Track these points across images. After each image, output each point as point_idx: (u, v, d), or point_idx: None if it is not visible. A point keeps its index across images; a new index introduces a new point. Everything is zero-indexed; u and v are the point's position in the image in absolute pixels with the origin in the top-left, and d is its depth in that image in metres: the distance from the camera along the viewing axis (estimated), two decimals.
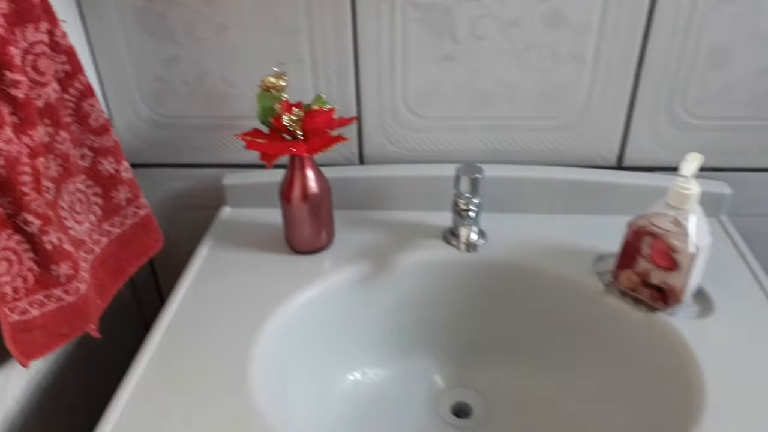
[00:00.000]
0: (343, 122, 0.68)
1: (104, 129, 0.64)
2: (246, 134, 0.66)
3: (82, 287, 0.61)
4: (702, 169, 0.75)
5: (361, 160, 0.81)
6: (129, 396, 0.57)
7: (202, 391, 0.57)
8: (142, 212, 0.71)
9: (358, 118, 0.77)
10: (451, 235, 0.75)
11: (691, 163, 0.58)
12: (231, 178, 0.81)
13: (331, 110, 0.67)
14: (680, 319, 0.63)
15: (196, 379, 0.58)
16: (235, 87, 0.76)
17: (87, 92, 0.62)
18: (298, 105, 0.66)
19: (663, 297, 0.63)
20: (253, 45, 0.73)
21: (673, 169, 0.73)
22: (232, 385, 0.57)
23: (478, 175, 0.69)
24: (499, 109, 0.75)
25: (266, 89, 0.64)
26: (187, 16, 0.72)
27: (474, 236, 0.67)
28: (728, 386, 0.56)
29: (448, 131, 0.78)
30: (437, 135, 0.78)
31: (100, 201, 0.66)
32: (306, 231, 0.71)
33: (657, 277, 0.62)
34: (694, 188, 0.59)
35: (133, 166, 0.83)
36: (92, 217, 0.66)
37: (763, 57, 0.70)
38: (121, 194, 0.68)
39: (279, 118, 0.64)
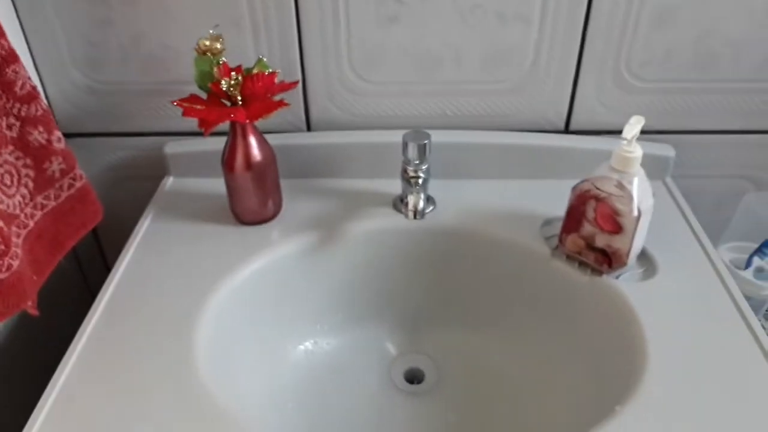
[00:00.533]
0: (285, 87, 0.65)
1: (31, 96, 0.61)
2: (183, 100, 0.64)
3: (15, 263, 0.58)
4: (647, 131, 0.76)
5: (309, 127, 0.79)
6: (70, 371, 0.56)
7: (146, 366, 0.56)
8: (78, 184, 0.68)
9: (300, 82, 0.75)
10: (400, 203, 0.74)
11: (633, 126, 0.58)
12: (173, 147, 0.78)
13: (272, 74, 0.65)
14: (624, 282, 0.63)
15: (139, 355, 0.57)
16: (173, 50, 0.73)
17: (9, 58, 0.58)
18: (237, 69, 0.64)
19: (608, 260, 0.63)
20: (191, 6, 0.70)
21: (620, 132, 0.73)
22: (177, 360, 0.56)
23: (425, 142, 0.68)
24: (446, 72, 0.74)
25: (202, 53, 0.61)
26: None
27: (422, 204, 0.66)
28: (670, 345, 0.57)
29: (395, 96, 0.76)
30: (385, 100, 0.76)
31: (31, 173, 0.63)
32: (251, 201, 0.69)
33: (601, 241, 0.63)
34: (637, 151, 0.59)
35: (70, 135, 0.80)
36: (24, 190, 0.63)
37: (705, 19, 0.70)
38: (54, 165, 0.65)
39: (217, 82, 0.62)
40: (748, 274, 0.75)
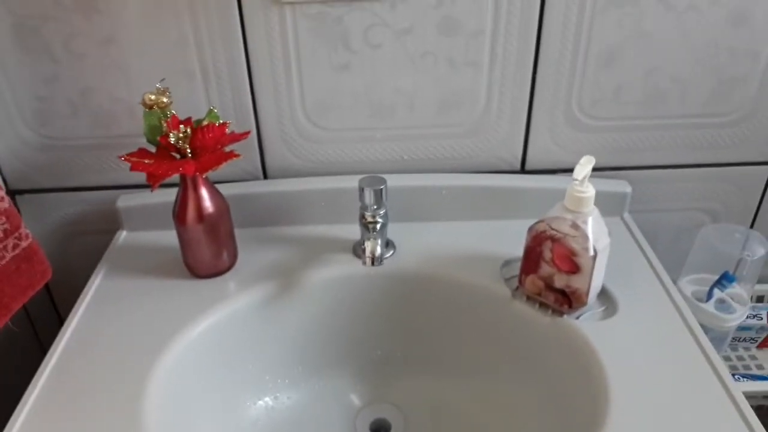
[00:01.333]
0: (236, 137, 0.65)
1: None
2: (131, 155, 0.62)
3: None
4: (602, 168, 0.77)
5: (265, 174, 0.78)
6: (18, 430, 0.53)
7: (94, 427, 0.53)
8: (23, 243, 0.66)
9: (255, 130, 0.74)
10: (359, 248, 0.73)
11: (584, 167, 0.58)
12: (126, 200, 0.76)
13: (223, 125, 0.64)
14: (585, 322, 0.63)
15: (88, 415, 0.55)
16: (123, 104, 0.72)
17: None
18: (186, 121, 0.63)
19: (567, 300, 0.63)
20: (139, 58, 0.69)
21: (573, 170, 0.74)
22: (127, 421, 0.54)
23: (381, 187, 0.67)
24: (400, 118, 0.74)
25: (149, 107, 0.60)
26: (65, 30, 0.67)
27: (379, 250, 0.65)
28: (631, 386, 0.56)
29: (351, 142, 0.76)
30: (340, 146, 0.76)
31: None
32: (205, 254, 0.68)
33: (560, 281, 0.62)
34: (590, 191, 0.59)
35: (20, 192, 0.78)
36: None
37: (650, 56, 0.71)
38: None
39: (165, 136, 0.61)
40: (709, 306, 0.75)
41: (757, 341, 0.84)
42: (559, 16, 0.68)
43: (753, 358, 0.83)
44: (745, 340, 0.84)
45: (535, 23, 0.68)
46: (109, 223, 0.79)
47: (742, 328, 0.81)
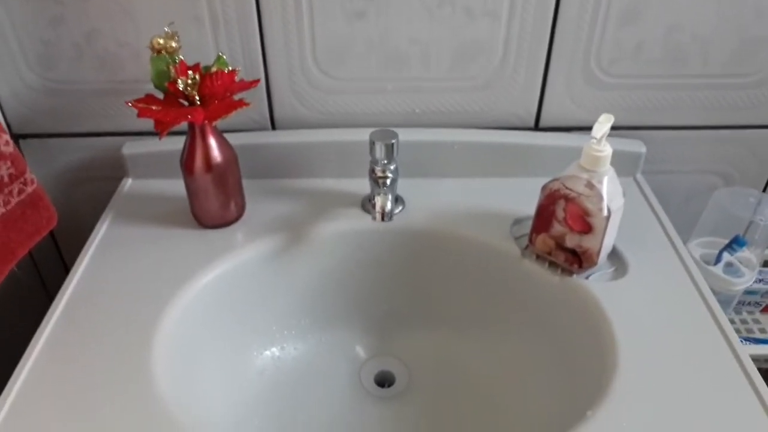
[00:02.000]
0: (245, 85, 0.63)
1: None
2: (138, 100, 0.61)
3: None
4: (617, 127, 0.75)
5: (273, 125, 0.77)
6: (24, 379, 0.54)
7: (101, 379, 0.53)
8: (29, 189, 0.65)
9: (263, 79, 0.72)
10: (369, 203, 0.72)
11: (602, 125, 0.57)
12: (131, 147, 0.75)
13: (232, 72, 0.62)
14: (594, 282, 0.62)
15: (94, 364, 0.55)
16: (130, 48, 0.70)
17: None
18: (195, 67, 0.61)
19: (578, 260, 0.62)
20: (148, 2, 0.67)
21: (590, 129, 0.72)
22: (134, 371, 0.54)
23: (392, 141, 0.66)
24: (414, 69, 0.72)
25: (157, 51, 0.59)
26: None
27: (389, 205, 0.64)
28: (640, 346, 0.56)
29: (362, 93, 0.74)
30: (351, 97, 0.74)
31: None
32: (212, 204, 0.67)
33: (571, 241, 0.62)
34: (607, 150, 0.58)
35: (24, 137, 0.77)
36: None
37: (673, 13, 0.69)
38: (2, 170, 0.61)
39: (173, 82, 0.59)
40: (717, 269, 0.74)
41: (761, 305, 0.84)
42: None
43: (756, 321, 0.83)
44: (749, 304, 0.83)
45: None
46: (115, 169, 0.78)
47: (747, 292, 0.81)
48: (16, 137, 0.77)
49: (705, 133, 0.78)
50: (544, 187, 0.62)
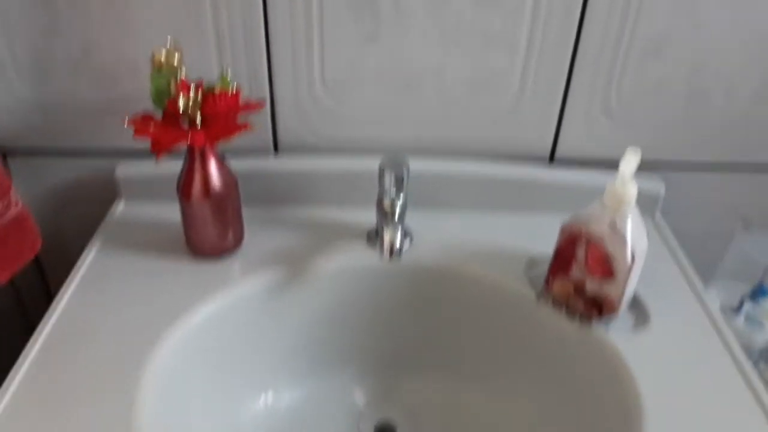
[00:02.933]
0: (250, 107, 0.59)
1: None
2: (136, 119, 0.57)
3: None
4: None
5: (276, 149, 0.73)
6: None
7: (80, 425, 0.49)
8: (12, 210, 0.60)
9: (268, 101, 0.69)
10: (375, 237, 0.68)
11: (631, 161, 0.53)
12: (125, 169, 0.71)
13: (236, 92, 0.59)
14: (615, 332, 0.58)
15: (73, 411, 0.50)
16: (129, 63, 0.66)
17: None
18: (198, 85, 0.58)
19: (598, 307, 0.58)
20: (148, 13, 0.63)
21: (605, 164, 0.69)
22: (117, 417, 0.49)
23: (403, 169, 0.62)
24: (426, 97, 0.69)
25: (158, 67, 0.55)
26: None
27: (398, 243, 0.60)
28: (666, 405, 0.52)
29: (372, 120, 0.71)
30: (360, 124, 0.71)
31: None
32: (209, 233, 0.63)
33: (592, 286, 0.58)
34: (632, 188, 0.54)
35: (12, 153, 0.73)
36: None
37: (698, 50, 0.66)
38: None
39: (174, 100, 0.56)
40: (739, 322, 0.71)
41: None
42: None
43: None
44: None
45: (579, 3, 0.63)
46: (106, 192, 0.74)
47: None
48: (3, 154, 0.73)
49: (726, 174, 0.75)
50: (563, 228, 0.58)
